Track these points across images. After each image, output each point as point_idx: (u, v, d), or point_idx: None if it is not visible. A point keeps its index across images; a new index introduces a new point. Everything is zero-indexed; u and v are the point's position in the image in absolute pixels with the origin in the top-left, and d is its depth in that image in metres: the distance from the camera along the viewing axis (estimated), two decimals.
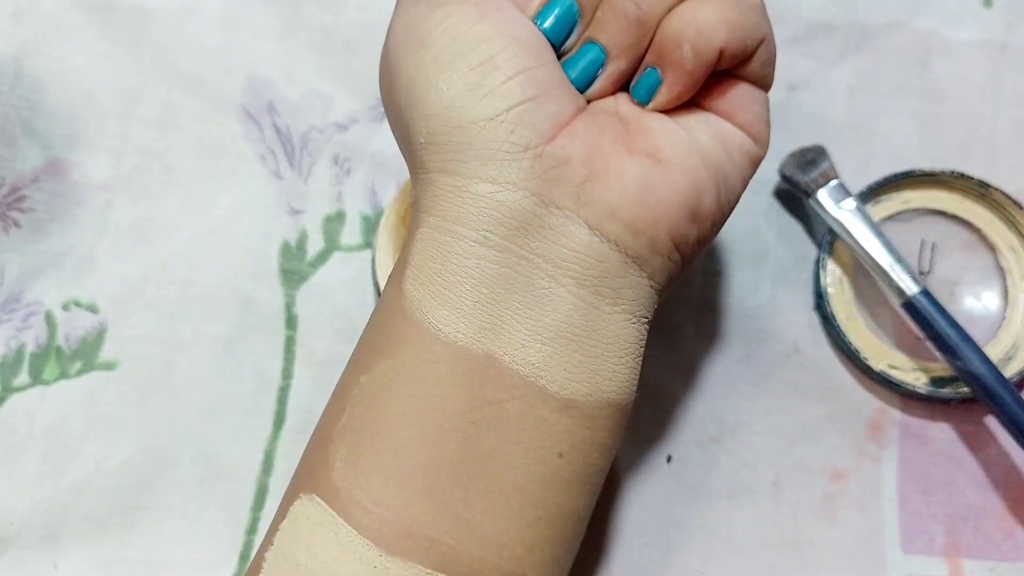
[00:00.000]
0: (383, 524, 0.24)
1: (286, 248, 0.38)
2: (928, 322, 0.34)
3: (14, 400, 0.36)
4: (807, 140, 0.38)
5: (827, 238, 0.37)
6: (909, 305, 0.34)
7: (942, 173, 0.37)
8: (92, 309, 0.37)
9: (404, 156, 0.28)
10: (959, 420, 0.36)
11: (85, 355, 0.36)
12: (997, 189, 0.37)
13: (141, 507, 0.35)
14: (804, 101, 0.40)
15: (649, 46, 0.26)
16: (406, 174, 0.39)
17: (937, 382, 0.36)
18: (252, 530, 0.35)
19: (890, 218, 0.38)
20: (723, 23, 0.25)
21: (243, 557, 0.35)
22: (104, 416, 0.36)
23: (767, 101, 0.28)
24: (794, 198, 0.38)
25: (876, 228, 0.35)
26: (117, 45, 0.39)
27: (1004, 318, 0.37)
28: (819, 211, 0.36)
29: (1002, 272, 0.37)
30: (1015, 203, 0.37)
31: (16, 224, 0.38)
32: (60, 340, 0.37)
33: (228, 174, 0.38)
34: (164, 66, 0.39)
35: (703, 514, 0.35)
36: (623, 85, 0.27)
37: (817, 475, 0.36)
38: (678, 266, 0.27)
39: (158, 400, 0.36)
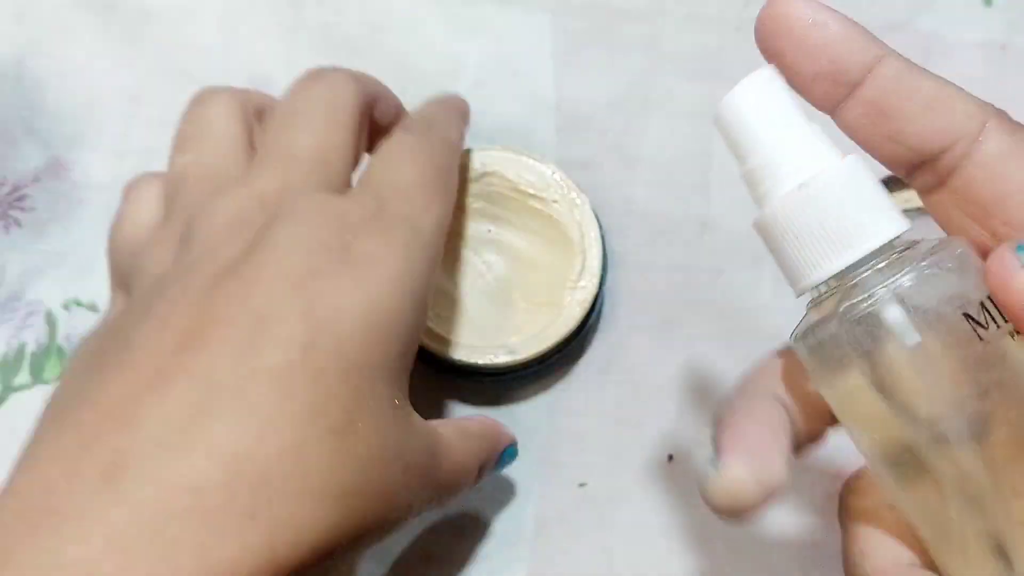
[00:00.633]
0: None
1: None
2: None
3: (15, 399, 0.36)
4: None
5: None
6: None
7: None
8: (93, 308, 0.37)
9: None
10: None
11: None
12: None
13: None
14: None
15: None
16: None
17: None
18: None
19: None
20: None
21: None
22: None
23: None
24: None
25: None
26: (118, 45, 0.40)
27: None
28: None
29: None
30: None
31: (17, 223, 0.38)
32: (61, 339, 0.37)
33: None
34: (166, 66, 0.39)
35: (703, 514, 0.35)
36: None
37: (818, 476, 0.36)
38: None
39: None
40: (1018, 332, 0.20)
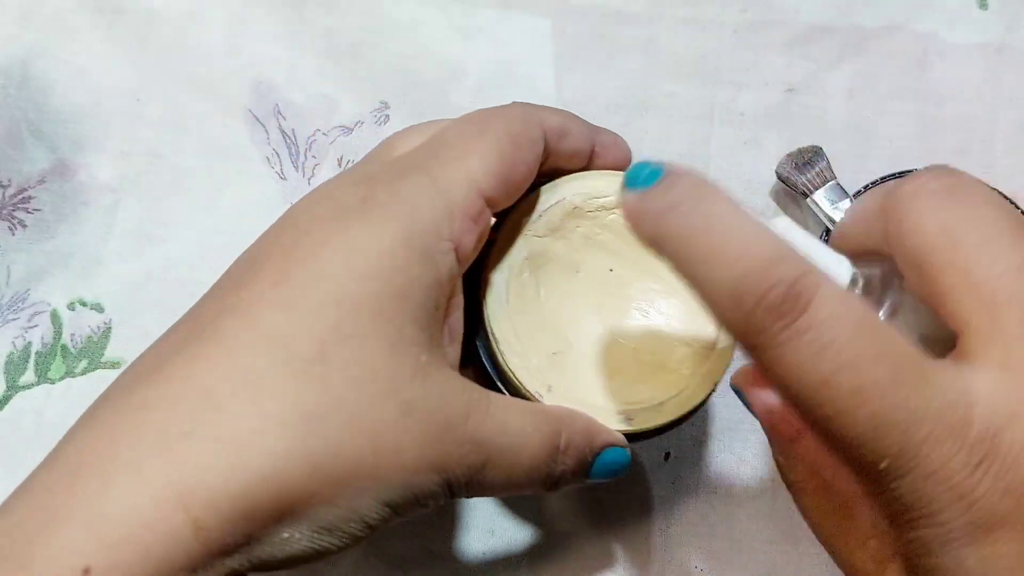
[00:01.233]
0: None
1: None
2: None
3: (20, 398, 0.36)
4: (805, 143, 0.38)
5: (824, 238, 0.37)
6: None
7: None
8: (98, 308, 0.37)
9: None
10: None
11: (91, 354, 0.37)
12: (994, 189, 0.37)
13: None
14: (803, 103, 0.40)
15: None
16: None
17: None
18: None
19: None
20: None
21: None
22: None
23: None
24: (793, 197, 0.39)
25: None
26: (123, 47, 0.40)
27: None
28: (816, 212, 0.36)
29: None
30: (1012, 204, 0.37)
31: (23, 224, 0.38)
32: (66, 339, 0.37)
33: (233, 175, 0.39)
34: (170, 68, 0.40)
35: (701, 511, 0.36)
36: None
37: None
38: None
39: None
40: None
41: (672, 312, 0.31)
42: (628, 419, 0.29)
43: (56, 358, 0.37)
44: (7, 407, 0.36)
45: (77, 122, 0.39)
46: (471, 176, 0.26)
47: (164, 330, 0.37)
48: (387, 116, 0.40)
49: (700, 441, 0.36)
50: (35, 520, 0.21)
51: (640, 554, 0.35)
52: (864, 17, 0.41)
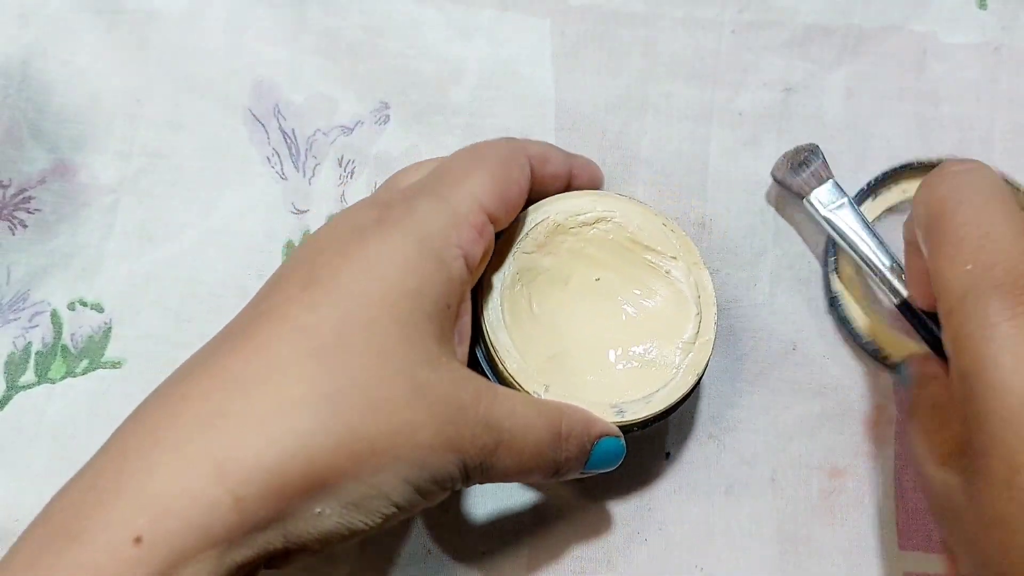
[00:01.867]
0: None
1: (290, 247, 0.38)
2: (921, 322, 0.34)
3: (21, 398, 0.36)
4: (804, 143, 0.38)
5: (831, 246, 0.37)
6: (904, 306, 0.34)
7: (940, 161, 0.37)
8: (98, 308, 0.37)
9: None
10: None
11: (91, 354, 0.37)
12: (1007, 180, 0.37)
13: None
14: (801, 104, 0.40)
15: None
16: None
17: None
18: None
19: (890, 210, 0.38)
20: None
21: None
22: (110, 414, 0.36)
23: None
24: (792, 198, 0.39)
25: (870, 228, 0.35)
26: (123, 47, 0.40)
27: None
28: (812, 212, 0.36)
29: None
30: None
31: (23, 225, 0.38)
32: (66, 339, 0.37)
33: (233, 175, 0.39)
34: (170, 68, 0.40)
35: (701, 510, 0.36)
36: None
37: (815, 471, 0.36)
38: None
39: None
40: None
41: (656, 313, 0.34)
42: (620, 412, 0.31)
43: (56, 358, 0.37)
44: (7, 407, 0.36)
45: (77, 122, 0.39)
46: (473, 193, 0.29)
47: (164, 330, 0.37)
48: (387, 116, 0.40)
49: (700, 441, 0.36)
50: (87, 499, 0.23)
51: (640, 554, 0.35)
52: (863, 17, 0.41)
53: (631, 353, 0.33)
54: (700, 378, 0.32)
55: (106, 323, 0.37)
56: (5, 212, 0.38)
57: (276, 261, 0.38)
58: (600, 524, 0.36)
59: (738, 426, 0.37)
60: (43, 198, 0.38)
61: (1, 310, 0.37)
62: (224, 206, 0.39)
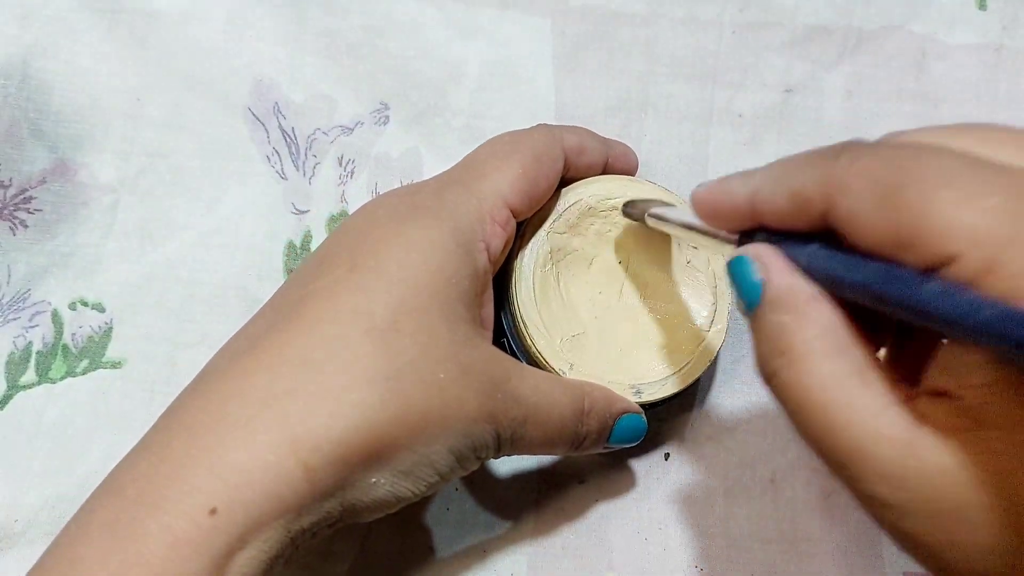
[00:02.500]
0: None
1: (290, 247, 0.38)
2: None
3: (21, 398, 0.36)
4: (804, 143, 0.38)
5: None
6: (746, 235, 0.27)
7: None
8: (98, 308, 0.37)
9: None
10: None
11: (91, 353, 0.37)
12: None
13: None
14: (801, 104, 0.40)
15: None
16: (409, 174, 0.39)
17: None
18: None
19: None
20: None
21: None
22: (110, 414, 0.36)
23: None
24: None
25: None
26: (124, 47, 0.40)
27: None
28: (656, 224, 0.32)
29: None
30: None
31: (23, 224, 0.38)
32: (67, 339, 0.37)
33: (233, 175, 0.39)
34: (170, 68, 0.40)
35: (701, 511, 0.36)
36: None
37: (814, 473, 0.36)
38: None
39: (164, 398, 0.36)
40: None
41: (674, 298, 0.35)
42: (638, 392, 0.33)
43: (57, 358, 0.37)
44: (8, 407, 0.36)
45: (77, 122, 0.39)
46: (499, 189, 0.31)
47: (164, 330, 0.37)
48: (387, 116, 0.40)
49: (700, 441, 0.37)
50: (159, 471, 0.24)
51: (640, 554, 0.35)
52: (862, 18, 0.41)
53: (650, 335, 0.34)
54: (713, 363, 0.34)
55: (107, 323, 0.37)
56: (5, 212, 0.38)
57: (276, 261, 0.38)
58: (599, 524, 0.36)
59: (737, 428, 0.37)
60: (43, 198, 0.38)
61: (1, 310, 0.37)
62: (224, 206, 0.39)
